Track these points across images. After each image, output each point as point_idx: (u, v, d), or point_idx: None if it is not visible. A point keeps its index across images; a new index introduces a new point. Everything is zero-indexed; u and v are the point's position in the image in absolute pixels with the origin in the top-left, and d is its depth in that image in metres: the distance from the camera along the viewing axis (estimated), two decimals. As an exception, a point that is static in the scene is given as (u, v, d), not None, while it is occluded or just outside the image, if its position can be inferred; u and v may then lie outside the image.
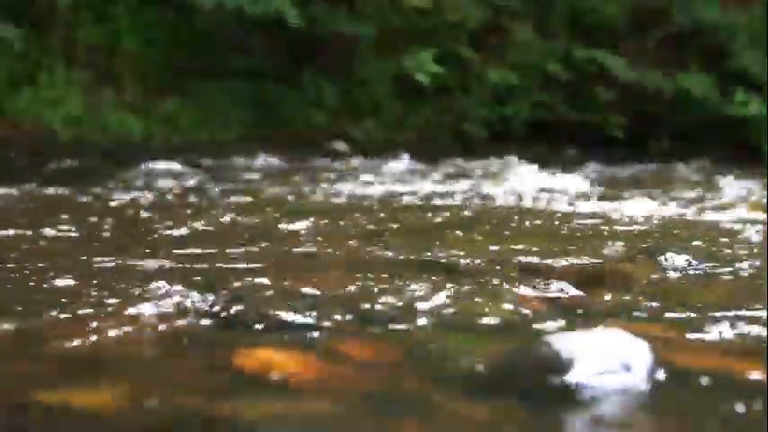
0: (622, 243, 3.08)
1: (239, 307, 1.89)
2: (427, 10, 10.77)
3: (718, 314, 1.96)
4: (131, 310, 1.89)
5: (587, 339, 1.48)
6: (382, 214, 3.99)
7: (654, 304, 2.08)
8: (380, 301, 2.01)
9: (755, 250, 2.93)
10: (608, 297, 2.18)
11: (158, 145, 8.64)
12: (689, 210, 4.38)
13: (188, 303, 1.96)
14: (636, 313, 1.99)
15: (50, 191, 4.74)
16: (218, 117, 9.94)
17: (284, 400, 1.40)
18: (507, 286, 2.22)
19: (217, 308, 1.92)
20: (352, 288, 2.14)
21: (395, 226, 3.64)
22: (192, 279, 2.22)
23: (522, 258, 2.67)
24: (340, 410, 1.37)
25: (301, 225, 3.52)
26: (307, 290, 2.07)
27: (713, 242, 3.19)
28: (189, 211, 4.01)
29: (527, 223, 3.81)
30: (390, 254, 2.79)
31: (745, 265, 2.65)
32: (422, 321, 1.88)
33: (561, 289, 2.22)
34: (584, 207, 4.39)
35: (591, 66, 11.18)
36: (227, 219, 3.60)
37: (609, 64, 10.92)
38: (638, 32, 11.19)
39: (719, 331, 1.83)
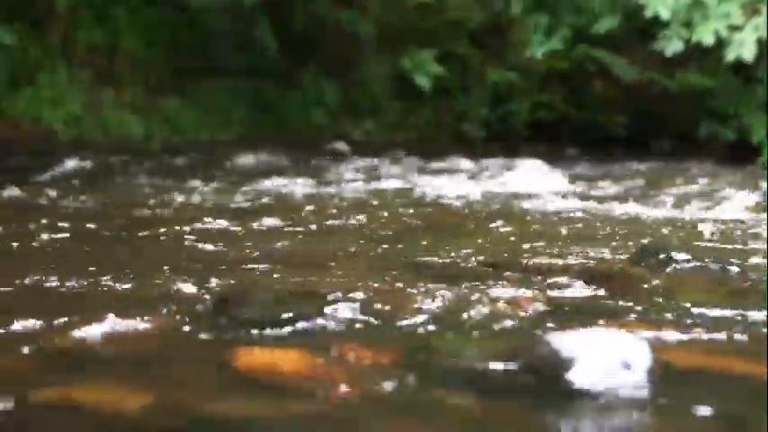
0: (622, 243, 3.08)
1: (239, 307, 1.89)
2: (429, 5, 10.75)
3: (718, 314, 1.96)
4: (131, 310, 1.89)
5: (587, 339, 1.48)
6: (382, 215, 3.99)
7: (654, 304, 2.08)
8: (380, 300, 2.01)
9: (755, 250, 2.93)
10: (608, 297, 2.18)
11: (158, 145, 8.64)
12: (689, 209, 4.37)
13: (188, 303, 1.96)
14: (636, 313, 1.99)
15: (50, 191, 4.74)
16: (218, 117, 9.94)
17: (284, 400, 1.40)
18: (507, 286, 2.22)
19: (217, 307, 1.91)
20: (351, 288, 2.14)
21: (395, 226, 3.64)
22: (192, 279, 2.22)
23: (522, 258, 2.66)
24: (339, 410, 1.37)
25: (301, 225, 3.52)
26: (307, 290, 2.07)
27: (713, 242, 3.19)
28: (189, 211, 4.01)
29: (527, 223, 3.81)
30: (390, 254, 2.79)
31: (745, 264, 2.65)
32: (422, 321, 1.88)
33: (561, 289, 2.22)
34: (584, 207, 4.39)
35: (592, 65, 11.18)
36: (226, 219, 3.60)
37: (609, 62, 10.92)
38: (639, 32, 11.19)
39: (719, 331, 1.83)
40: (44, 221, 3.45)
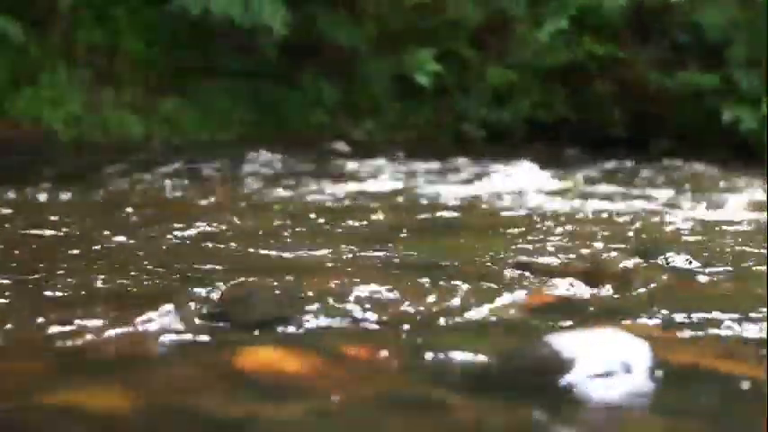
0: (622, 243, 3.08)
1: (239, 307, 1.89)
2: (427, 5, 10.74)
3: (717, 314, 1.96)
4: (131, 311, 1.89)
5: (587, 339, 1.48)
6: (382, 215, 3.99)
7: (654, 304, 2.08)
8: (381, 300, 2.02)
9: (755, 250, 2.93)
10: (608, 297, 2.18)
11: (158, 145, 8.64)
12: (689, 209, 4.38)
13: (188, 303, 1.96)
14: (636, 313, 2.00)
15: (50, 191, 4.74)
16: (218, 117, 9.94)
17: (284, 400, 1.40)
18: (507, 286, 2.22)
19: (217, 308, 1.92)
20: (351, 288, 2.14)
21: (395, 226, 3.64)
22: (192, 279, 2.22)
23: (522, 258, 2.66)
24: (340, 410, 1.38)
25: (302, 226, 3.52)
26: (307, 290, 2.07)
27: (713, 242, 3.19)
28: (189, 211, 4.01)
29: (527, 223, 3.81)
30: (390, 254, 2.79)
31: (745, 265, 2.65)
32: (422, 321, 1.88)
33: (561, 289, 2.22)
34: (584, 207, 4.39)
35: (592, 64, 11.17)
36: (227, 219, 3.60)
37: (611, 60, 10.91)
38: (641, 32, 11.18)
39: (719, 331, 1.83)
40: (43, 222, 3.45)
